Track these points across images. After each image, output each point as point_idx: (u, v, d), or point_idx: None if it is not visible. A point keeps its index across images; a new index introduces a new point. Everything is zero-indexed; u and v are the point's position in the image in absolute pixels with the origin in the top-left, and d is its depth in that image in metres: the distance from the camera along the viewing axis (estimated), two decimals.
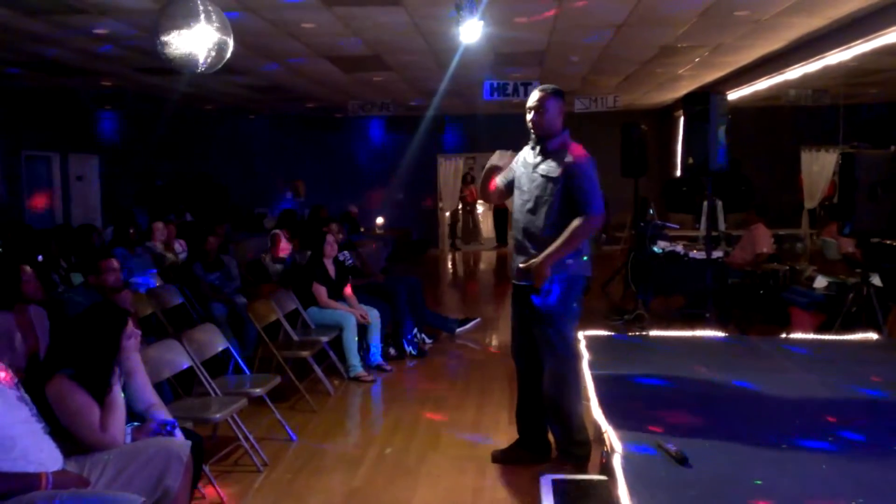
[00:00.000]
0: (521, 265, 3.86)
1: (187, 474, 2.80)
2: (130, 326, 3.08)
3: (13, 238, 7.41)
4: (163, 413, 3.22)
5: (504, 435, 4.44)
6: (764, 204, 9.01)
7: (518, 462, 4.06)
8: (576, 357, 3.73)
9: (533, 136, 3.88)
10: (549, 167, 3.78)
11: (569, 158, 3.73)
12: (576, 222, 3.69)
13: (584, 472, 3.72)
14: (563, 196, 3.73)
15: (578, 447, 3.83)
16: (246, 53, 7.78)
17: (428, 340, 6.97)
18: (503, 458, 4.12)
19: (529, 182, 3.87)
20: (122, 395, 3.00)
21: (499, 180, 4.12)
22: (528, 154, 3.95)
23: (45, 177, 12.16)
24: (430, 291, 9.40)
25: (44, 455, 2.61)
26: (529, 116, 3.86)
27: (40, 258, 6.26)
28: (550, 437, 4.06)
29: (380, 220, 14.37)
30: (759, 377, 3.12)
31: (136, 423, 3.07)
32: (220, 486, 3.76)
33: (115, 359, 3.00)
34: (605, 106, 11.32)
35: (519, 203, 3.94)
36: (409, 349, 6.72)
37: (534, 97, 3.86)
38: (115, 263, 4.72)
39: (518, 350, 4.09)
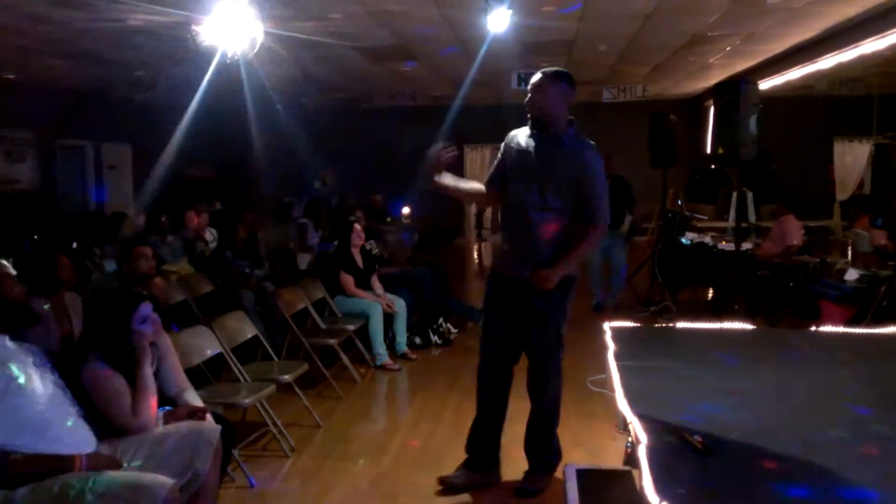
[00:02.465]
0: (519, 265, 3.58)
1: (217, 458, 2.85)
2: (143, 311, 3.08)
3: (49, 226, 7.56)
4: (193, 398, 3.29)
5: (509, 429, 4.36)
6: (794, 195, 8.88)
7: (471, 486, 3.72)
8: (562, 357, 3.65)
9: (531, 120, 3.58)
10: (563, 164, 3.49)
11: (586, 160, 3.48)
12: (589, 231, 3.51)
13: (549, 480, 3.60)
14: (574, 195, 3.47)
15: (555, 455, 3.69)
16: (276, 44, 7.83)
17: (454, 330, 7.00)
18: (454, 485, 3.73)
19: (533, 173, 3.53)
20: (154, 379, 3.06)
21: (489, 185, 3.82)
22: (524, 142, 3.62)
23: (79, 166, 12.38)
24: (456, 281, 9.42)
25: (78, 438, 2.67)
26: (529, 97, 3.54)
27: (75, 245, 6.38)
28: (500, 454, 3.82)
29: (406, 210, 14.40)
30: (787, 370, 3.10)
31: (167, 408, 3.13)
32: (249, 471, 3.82)
33: (125, 339, 3.01)
34: (634, 95, 11.21)
35: (517, 193, 3.59)
36: (434, 338, 6.75)
37: (535, 77, 3.56)
38: (147, 250, 4.79)
39: (491, 356, 3.77)
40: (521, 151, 3.62)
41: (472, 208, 15.87)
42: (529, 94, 3.57)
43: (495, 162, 3.82)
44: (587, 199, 3.49)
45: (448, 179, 3.80)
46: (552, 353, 3.63)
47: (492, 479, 3.77)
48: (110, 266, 6.12)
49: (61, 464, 2.54)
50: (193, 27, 4.57)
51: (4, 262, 4.04)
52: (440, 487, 3.73)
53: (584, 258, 3.63)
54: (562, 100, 3.53)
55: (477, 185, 3.95)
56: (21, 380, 2.54)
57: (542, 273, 3.48)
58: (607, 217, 3.56)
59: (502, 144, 3.78)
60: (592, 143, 3.59)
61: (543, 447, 3.70)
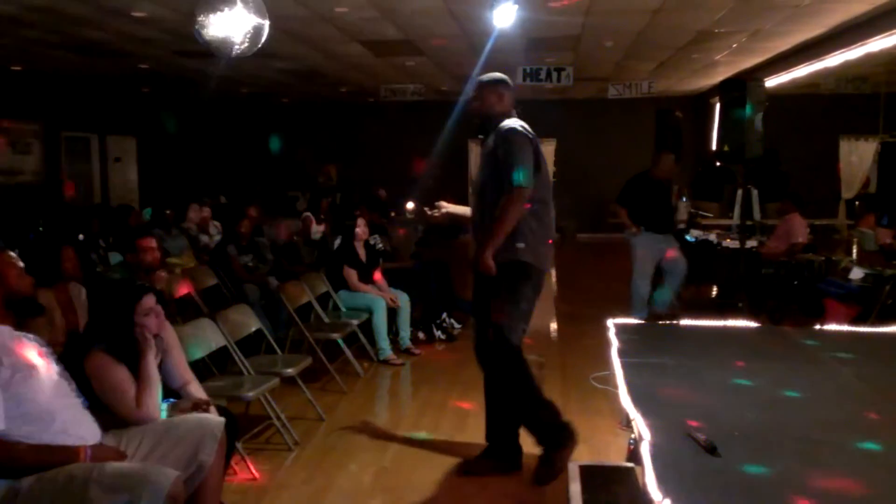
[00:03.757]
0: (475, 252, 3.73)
1: (221, 450, 2.86)
2: (147, 303, 3.08)
3: (54, 218, 7.58)
4: (198, 390, 3.29)
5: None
6: (800, 193, 8.86)
7: (488, 473, 3.82)
8: (519, 362, 3.67)
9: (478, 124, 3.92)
10: (488, 148, 3.77)
11: (499, 136, 3.68)
12: (502, 201, 3.57)
13: (566, 456, 3.62)
14: (496, 171, 3.65)
15: (555, 431, 3.71)
16: (281, 37, 7.83)
17: (457, 325, 7.00)
18: (473, 470, 3.86)
19: (478, 167, 3.91)
20: (158, 372, 3.06)
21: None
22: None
23: (84, 157, 12.40)
24: (460, 276, 9.41)
25: (83, 429, 2.68)
26: (469, 103, 3.96)
27: (81, 237, 6.40)
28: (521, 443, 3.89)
29: (410, 205, 14.40)
30: (791, 368, 3.09)
31: (171, 400, 3.14)
32: (253, 463, 3.84)
33: (131, 332, 3.02)
34: (640, 92, 11.19)
35: (472, 188, 3.93)
36: (438, 334, 6.76)
37: (473, 85, 3.93)
38: (152, 242, 4.81)
39: (477, 343, 3.91)
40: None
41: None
42: (471, 99, 3.93)
43: None
44: (501, 164, 3.61)
45: (449, 208, 4.20)
46: (495, 356, 3.69)
47: (512, 467, 3.85)
48: (115, 258, 6.13)
49: (66, 455, 2.55)
50: (199, 20, 4.56)
51: (11, 253, 4.05)
52: (460, 474, 3.77)
53: (510, 229, 3.58)
54: (497, 102, 3.82)
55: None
56: (27, 371, 2.55)
57: (476, 254, 3.65)
58: (522, 179, 3.55)
59: None
60: (514, 122, 3.73)
61: (534, 429, 3.74)
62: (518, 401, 3.74)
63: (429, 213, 4.26)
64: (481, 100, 3.86)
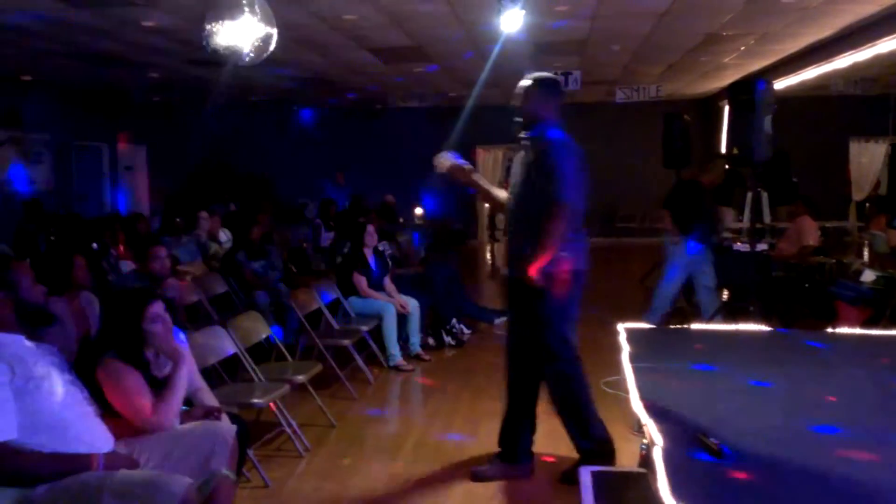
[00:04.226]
0: (511, 265, 3.72)
1: (233, 458, 2.86)
2: (155, 310, 3.07)
3: (65, 227, 7.62)
4: (209, 398, 3.30)
5: (541, 425, 4.41)
6: (810, 196, 8.82)
7: (500, 479, 3.83)
8: (577, 357, 3.70)
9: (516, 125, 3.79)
10: (527, 158, 3.68)
11: (544, 149, 3.60)
12: (547, 216, 3.52)
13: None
14: (539, 183, 3.58)
15: (600, 444, 3.74)
16: (289, 45, 7.87)
17: (467, 331, 7.00)
18: (485, 476, 3.85)
19: (514, 176, 3.77)
20: (185, 386, 3.05)
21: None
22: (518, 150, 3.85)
23: (95, 167, 12.49)
24: (470, 282, 9.42)
25: (95, 437, 2.69)
26: (512, 104, 3.79)
27: (96, 246, 6.43)
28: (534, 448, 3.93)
29: (419, 211, 14.41)
30: (803, 372, 3.08)
31: (184, 408, 3.15)
32: (264, 470, 3.84)
33: (139, 339, 3.03)
34: (648, 96, 11.16)
35: (510, 194, 3.83)
36: (447, 339, 6.75)
37: (519, 84, 3.77)
38: (162, 251, 4.84)
39: (513, 350, 3.89)
40: (516, 157, 3.85)
41: (486, 210, 15.86)
42: (513, 101, 3.80)
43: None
44: (545, 179, 3.55)
45: (482, 181, 4.02)
46: (559, 362, 3.69)
47: (523, 472, 3.86)
48: (126, 267, 6.16)
49: (79, 463, 2.56)
50: (208, 29, 4.59)
51: (23, 262, 4.08)
52: (470, 480, 3.80)
53: (558, 243, 3.55)
54: (541, 105, 3.72)
55: (504, 194, 4.04)
56: (40, 380, 2.57)
57: (523, 268, 3.56)
58: (569, 196, 3.52)
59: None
60: (560, 134, 3.67)
61: (579, 437, 3.76)
62: (577, 403, 3.74)
63: (461, 167, 3.99)
64: (526, 100, 3.73)
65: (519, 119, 3.75)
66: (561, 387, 3.74)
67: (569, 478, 3.64)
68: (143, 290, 3.20)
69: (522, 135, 3.77)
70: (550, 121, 3.72)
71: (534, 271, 3.52)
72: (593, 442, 3.76)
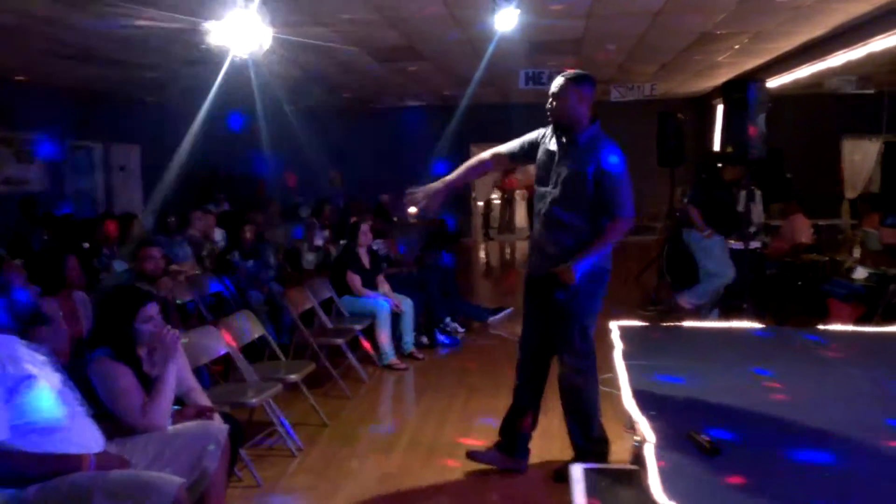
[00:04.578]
0: (544, 261, 3.71)
1: (225, 457, 2.86)
2: (148, 310, 3.07)
3: (58, 227, 7.59)
4: (201, 397, 3.30)
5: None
6: (803, 194, 8.84)
7: (492, 465, 3.91)
8: (594, 353, 3.72)
9: (552, 124, 3.72)
10: (579, 162, 3.60)
11: (601, 155, 3.56)
12: (608, 225, 3.57)
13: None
14: (595, 193, 3.57)
15: (596, 444, 3.78)
16: (283, 44, 7.85)
17: (461, 329, 7.00)
18: (479, 458, 3.96)
19: (555, 175, 3.67)
20: (174, 383, 3.05)
21: (502, 149, 3.99)
22: (549, 143, 3.76)
23: (88, 166, 12.44)
24: (463, 281, 9.43)
25: (87, 437, 2.69)
26: (549, 104, 3.67)
27: (86, 246, 6.42)
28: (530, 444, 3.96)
29: (413, 210, 14.38)
30: (796, 369, 3.09)
31: (175, 407, 3.14)
32: (257, 470, 3.84)
33: (132, 337, 3.03)
34: (642, 94, 11.16)
35: (542, 193, 3.75)
36: (441, 338, 6.75)
37: (555, 83, 3.67)
38: (155, 251, 4.83)
39: (526, 347, 3.95)
40: (547, 152, 3.77)
41: (480, 209, 15.88)
42: (551, 100, 3.67)
43: (526, 138, 3.92)
44: (609, 193, 3.56)
45: (436, 185, 3.99)
46: (577, 357, 3.71)
47: (517, 466, 3.89)
48: (119, 266, 6.15)
49: (70, 463, 2.55)
50: (202, 28, 4.59)
51: (15, 262, 4.07)
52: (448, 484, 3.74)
53: (606, 249, 3.65)
54: (579, 102, 3.62)
55: (471, 161, 4.10)
56: (31, 380, 2.56)
57: (561, 266, 3.56)
58: (632, 210, 3.59)
59: (538, 133, 3.89)
60: (609, 138, 3.66)
61: (580, 435, 3.79)
62: (587, 402, 3.77)
63: (425, 195, 4.01)
64: (563, 99, 3.62)
65: (556, 118, 3.67)
66: (575, 383, 3.75)
67: (562, 476, 3.64)
68: (138, 290, 3.19)
69: (558, 135, 3.71)
70: (588, 121, 3.67)
71: (573, 269, 3.53)
72: (591, 442, 3.78)
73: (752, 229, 7.06)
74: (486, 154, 4.04)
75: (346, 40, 8.19)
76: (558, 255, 3.63)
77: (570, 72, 3.71)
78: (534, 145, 3.89)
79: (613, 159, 3.58)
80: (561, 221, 3.67)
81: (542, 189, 3.77)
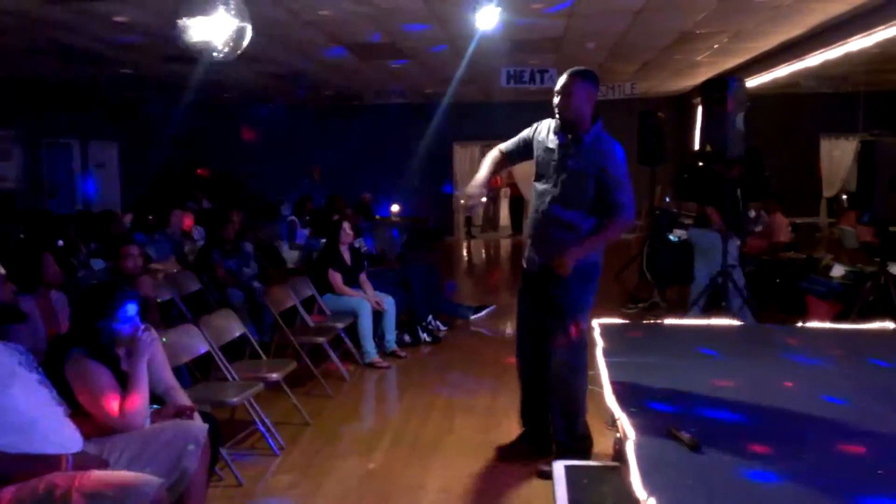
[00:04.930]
0: (540, 256, 3.77)
1: (205, 457, 2.84)
2: (128, 309, 3.05)
3: (34, 224, 7.50)
4: (181, 396, 3.27)
5: (518, 421, 4.45)
6: (782, 192, 8.92)
7: (522, 457, 3.98)
8: (587, 348, 3.74)
9: (558, 121, 3.71)
10: (584, 162, 3.61)
11: (605, 156, 3.59)
12: (610, 222, 3.62)
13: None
14: (597, 194, 3.62)
15: (580, 441, 3.81)
16: (263, 41, 7.80)
17: (443, 327, 7.00)
18: (508, 454, 4.05)
19: (556, 173, 3.69)
20: (147, 380, 3.02)
21: (502, 147, 4.03)
22: (549, 139, 3.77)
23: (65, 164, 12.30)
24: (446, 279, 9.42)
25: (64, 437, 2.66)
26: (556, 100, 3.66)
27: (60, 243, 6.34)
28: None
29: (395, 208, 14.39)
30: (774, 366, 3.12)
31: (155, 406, 3.12)
32: (238, 469, 3.81)
33: (110, 336, 3.01)
34: (622, 93, 11.24)
35: (542, 191, 3.77)
36: (423, 336, 6.75)
37: (562, 79, 3.66)
38: (134, 249, 4.79)
39: (525, 341, 4.00)
40: (547, 150, 3.78)
41: (462, 207, 15.87)
42: (557, 97, 3.68)
43: (521, 136, 3.96)
44: (612, 192, 3.60)
45: (480, 182, 3.87)
46: (569, 352, 3.74)
47: (545, 450, 3.91)
48: (97, 264, 6.08)
49: (47, 464, 2.52)
50: (180, 24, 4.54)
51: None
52: (430, 481, 3.74)
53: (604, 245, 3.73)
54: (588, 100, 3.65)
55: (494, 154, 4.05)
56: (7, 380, 2.52)
57: (557, 259, 3.59)
58: (633, 208, 3.65)
59: (532, 128, 3.92)
60: (611, 138, 3.69)
61: (564, 432, 3.81)
62: (574, 396, 3.81)
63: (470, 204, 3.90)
64: (570, 96, 3.61)
65: (564, 115, 3.66)
66: (566, 379, 3.77)
67: (546, 475, 3.66)
68: (116, 287, 3.15)
69: (562, 133, 3.71)
70: (598, 122, 3.69)
71: (570, 262, 3.56)
72: (575, 440, 3.80)
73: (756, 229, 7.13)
74: (495, 151, 4.07)
75: (327, 37, 8.15)
76: (558, 247, 3.65)
77: (577, 68, 3.71)
78: (528, 143, 3.91)
79: (617, 160, 3.61)
80: (560, 220, 3.69)
81: (542, 187, 3.79)
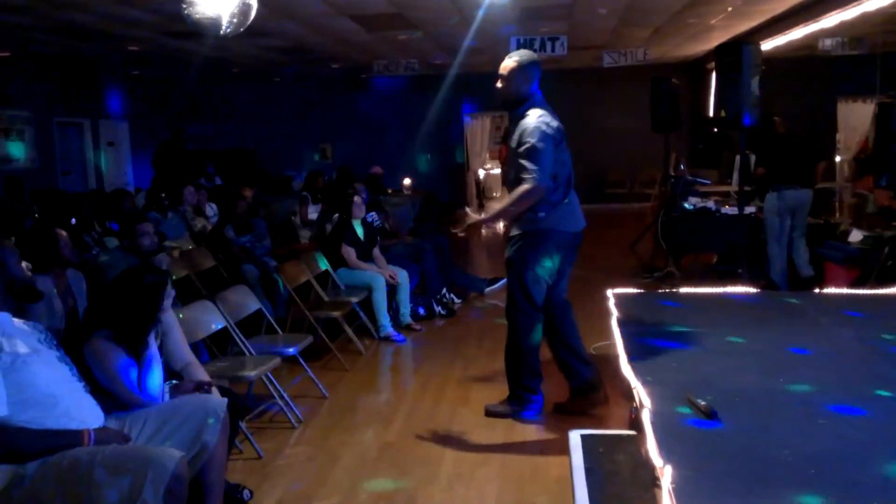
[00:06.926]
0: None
1: (224, 430, 2.87)
2: (171, 293, 3.13)
3: (48, 204, 7.54)
4: (199, 371, 3.30)
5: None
6: None
7: (583, 409, 4.12)
8: (536, 311, 3.98)
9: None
10: (512, 138, 3.91)
11: (523, 124, 3.83)
12: (519, 188, 3.80)
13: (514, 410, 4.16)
14: (518, 163, 3.86)
15: (522, 390, 4.13)
16: (269, 14, 7.74)
17: (457, 300, 7.01)
18: (570, 409, 4.17)
19: (511, 141, 3.97)
20: (160, 354, 3.06)
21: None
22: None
23: (77, 143, 12.33)
24: (459, 251, 9.41)
25: (85, 412, 2.69)
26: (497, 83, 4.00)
27: (74, 221, 6.38)
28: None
29: (407, 181, 14.35)
30: (791, 333, 3.10)
31: (174, 381, 3.15)
32: (257, 442, 3.86)
33: (154, 321, 3.07)
34: (635, 60, 11.06)
35: (509, 157, 4.08)
36: (438, 309, 6.76)
37: (502, 64, 3.97)
38: (149, 227, 4.79)
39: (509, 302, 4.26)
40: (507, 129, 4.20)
41: (475, 180, 15.82)
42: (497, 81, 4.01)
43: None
44: (523, 157, 3.81)
45: (489, 212, 4.34)
46: (516, 301, 4.04)
47: (598, 400, 4.15)
48: (111, 243, 6.11)
49: (70, 439, 2.55)
50: (186, 1, 4.50)
51: (8, 240, 4.03)
52: (446, 453, 3.77)
53: (519, 212, 3.94)
54: (524, 83, 3.94)
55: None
56: (27, 356, 2.55)
57: (470, 218, 4.13)
58: (544, 180, 3.77)
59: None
60: (542, 110, 3.89)
61: (512, 380, 4.19)
62: (519, 354, 4.12)
63: (460, 234, 4.34)
64: (507, 80, 3.95)
65: (501, 97, 4.01)
66: (512, 336, 4.12)
67: (487, 411, 4.22)
68: (164, 284, 3.16)
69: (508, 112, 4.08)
70: (531, 99, 3.93)
71: (477, 223, 4.12)
72: (520, 388, 4.14)
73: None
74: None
75: (334, 8, 8.07)
76: (512, 224, 4.05)
77: (518, 52, 4.03)
78: None
79: (529, 127, 3.80)
80: (511, 184, 3.97)
81: (507, 155, 4.13)
